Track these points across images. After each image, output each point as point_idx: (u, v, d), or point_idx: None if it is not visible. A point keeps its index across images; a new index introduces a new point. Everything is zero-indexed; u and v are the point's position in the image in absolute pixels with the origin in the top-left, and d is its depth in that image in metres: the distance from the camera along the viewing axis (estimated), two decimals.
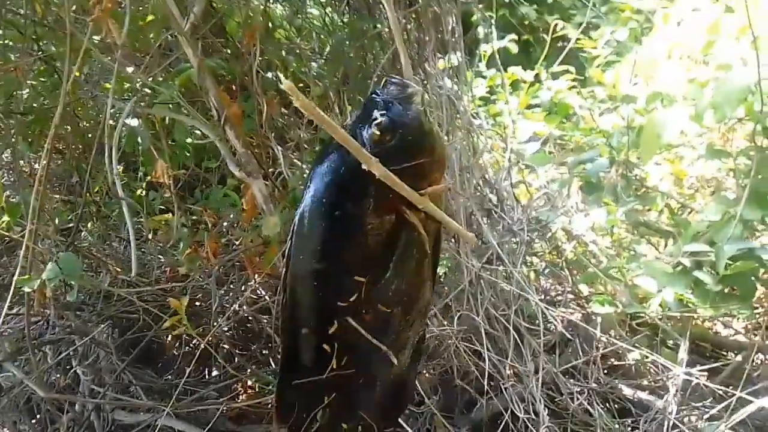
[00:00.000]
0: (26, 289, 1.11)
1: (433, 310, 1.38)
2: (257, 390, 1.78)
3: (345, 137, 0.54)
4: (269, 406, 1.73)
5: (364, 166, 0.55)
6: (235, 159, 1.28)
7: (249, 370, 1.67)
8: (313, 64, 1.88)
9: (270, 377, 1.68)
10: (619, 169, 1.44)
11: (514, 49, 2.22)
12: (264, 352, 1.76)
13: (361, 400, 0.78)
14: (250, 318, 1.87)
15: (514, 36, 2.26)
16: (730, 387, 1.18)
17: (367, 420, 0.81)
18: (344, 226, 0.62)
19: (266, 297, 1.76)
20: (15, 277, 1.11)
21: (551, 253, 1.41)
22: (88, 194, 1.77)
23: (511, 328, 1.23)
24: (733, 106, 1.24)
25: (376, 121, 0.59)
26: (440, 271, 1.79)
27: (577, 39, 1.88)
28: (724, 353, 1.50)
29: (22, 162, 2.03)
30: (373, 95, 0.63)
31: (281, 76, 0.50)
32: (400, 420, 0.96)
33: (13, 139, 1.93)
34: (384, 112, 0.60)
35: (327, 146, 0.65)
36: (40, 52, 1.72)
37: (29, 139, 1.94)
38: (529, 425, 1.17)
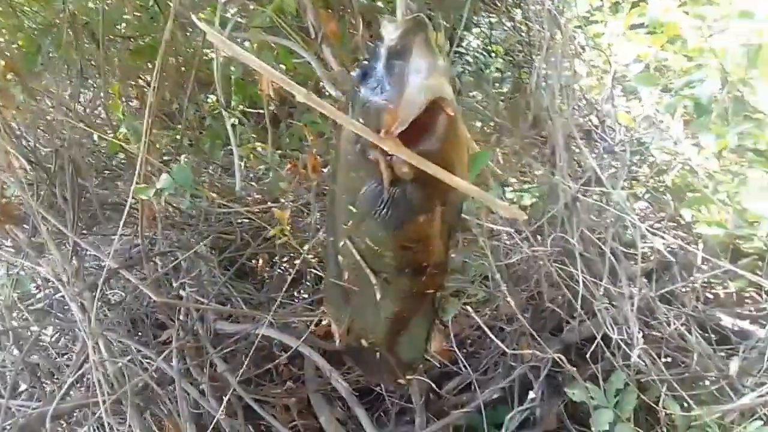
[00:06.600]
0: (143, 197, 1.19)
1: (522, 233, 1.37)
2: None
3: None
4: None
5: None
6: (330, 78, 1.30)
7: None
8: None
9: None
10: (732, 91, 1.34)
11: None
12: None
13: (369, 322, 0.87)
14: None
15: None
16: None
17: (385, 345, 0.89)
18: (346, 159, 0.71)
19: None
20: (132, 187, 1.19)
21: (654, 177, 1.35)
22: (187, 121, 1.86)
23: (607, 251, 1.21)
24: None
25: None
26: (530, 200, 1.76)
27: None
28: None
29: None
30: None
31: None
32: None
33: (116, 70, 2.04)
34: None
35: None
36: None
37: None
38: (623, 346, 1.16)
